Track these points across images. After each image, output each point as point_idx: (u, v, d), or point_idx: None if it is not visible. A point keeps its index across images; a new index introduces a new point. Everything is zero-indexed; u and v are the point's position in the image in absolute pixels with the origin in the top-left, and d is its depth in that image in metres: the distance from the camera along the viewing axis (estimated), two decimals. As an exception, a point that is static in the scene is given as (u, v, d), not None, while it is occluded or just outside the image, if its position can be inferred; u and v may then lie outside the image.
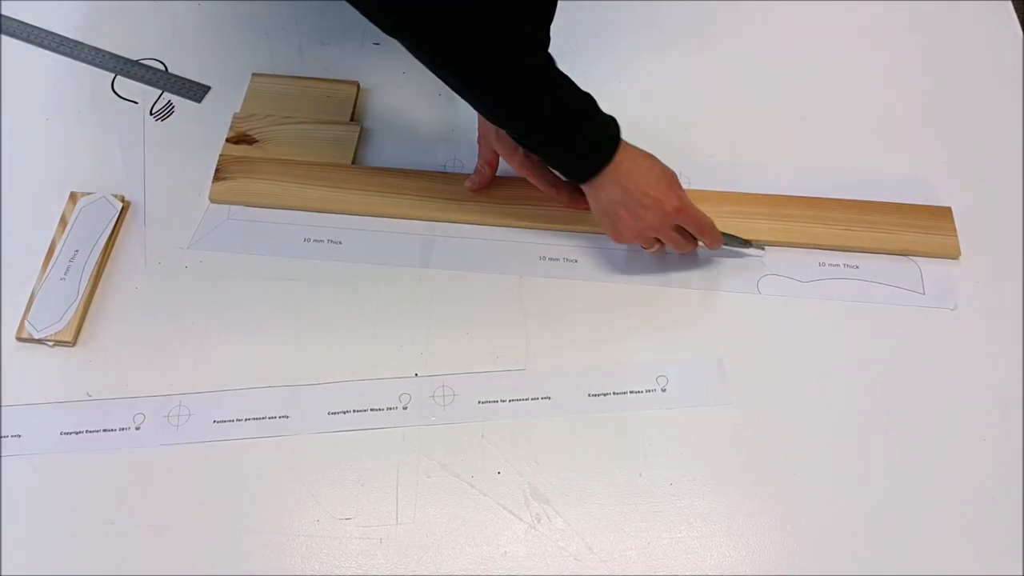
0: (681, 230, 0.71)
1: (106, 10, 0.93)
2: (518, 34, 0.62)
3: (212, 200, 0.80)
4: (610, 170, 0.67)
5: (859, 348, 0.72)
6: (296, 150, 0.82)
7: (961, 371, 0.70)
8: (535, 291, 0.75)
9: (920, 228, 0.76)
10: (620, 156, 0.67)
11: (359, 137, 0.84)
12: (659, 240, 0.72)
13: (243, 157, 0.82)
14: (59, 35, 0.92)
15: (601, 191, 0.69)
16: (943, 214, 0.77)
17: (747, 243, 0.75)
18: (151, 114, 0.86)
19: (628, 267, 0.76)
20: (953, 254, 0.75)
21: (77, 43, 0.91)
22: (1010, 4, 0.91)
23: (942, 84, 0.86)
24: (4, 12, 0.93)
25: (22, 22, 0.93)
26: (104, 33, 0.92)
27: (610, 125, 0.67)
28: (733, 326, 0.73)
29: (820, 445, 0.68)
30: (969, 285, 0.74)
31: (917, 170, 0.81)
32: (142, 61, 0.90)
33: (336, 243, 0.78)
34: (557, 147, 0.67)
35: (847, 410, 0.69)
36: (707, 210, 0.76)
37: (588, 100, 0.66)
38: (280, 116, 0.84)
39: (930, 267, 0.75)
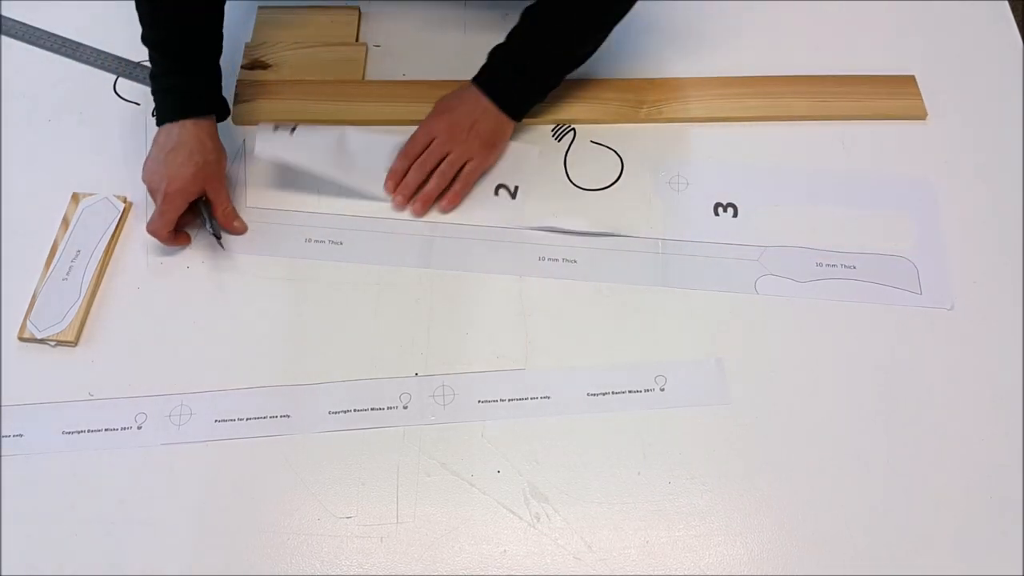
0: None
1: (108, 11, 0.93)
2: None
3: (235, 122, 0.85)
4: (164, 129, 0.76)
5: (857, 348, 0.72)
6: (308, 71, 0.87)
7: (959, 370, 0.71)
8: (535, 291, 0.75)
9: (888, 94, 0.84)
10: (173, 127, 0.75)
11: (366, 56, 0.88)
12: None
13: (259, 81, 0.87)
14: (61, 36, 0.92)
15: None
16: (908, 81, 0.85)
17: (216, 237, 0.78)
18: (153, 115, 0.86)
19: (628, 267, 0.76)
20: (920, 115, 0.83)
21: (79, 44, 0.91)
22: (1006, 5, 0.91)
23: (941, 84, 0.86)
24: (4, 13, 0.94)
25: (23, 23, 0.93)
26: (106, 34, 0.92)
27: (172, 103, 0.76)
28: (732, 326, 0.73)
29: (819, 445, 0.68)
30: (966, 285, 0.74)
31: (916, 170, 0.81)
32: (144, 62, 0.90)
33: (337, 243, 0.78)
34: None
35: (846, 410, 0.69)
36: (700, 94, 0.83)
37: (174, 82, 0.76)
38: (290, 42, 0.89)
39: (927, 266, 0.75)
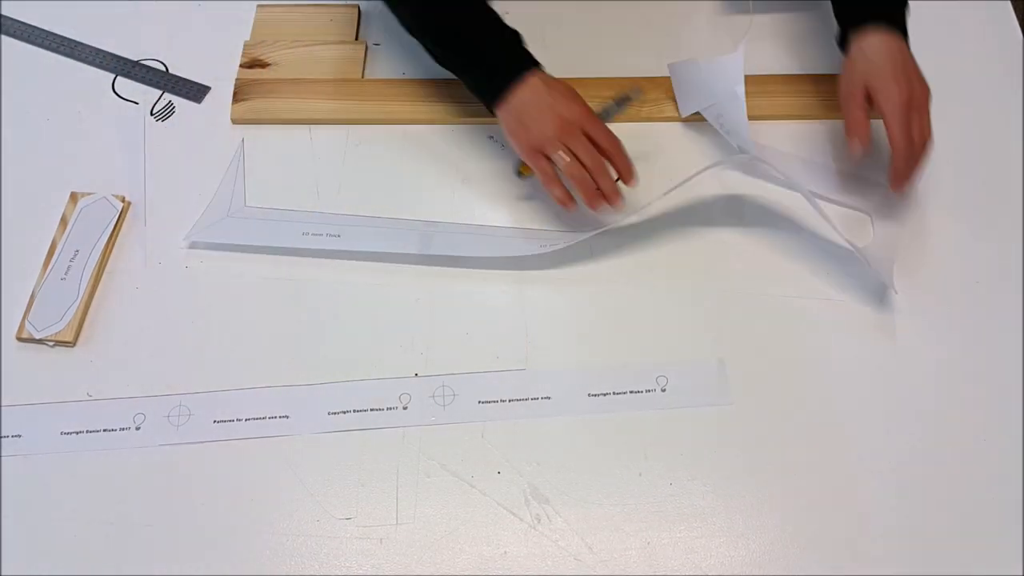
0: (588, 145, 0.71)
1: (106, 10, 0.93)
2: None
3: (234, 121, 0.84)
4: (520, 90, 0.71)
5: (860, 347, 0.72)
6: (308, 70, 0.87)
7: (962, 371, 0.70)
8: (535, 291, 0.75)
9: None
10: (531, 77, 0.71)
11: (366, 54, 0.88)
12: (565, 153, 0.70)
13: (257, 79, 0.86)
14: (59, 35, 0.92)
15: (509, 109, 0.72)
16: None
17: (625, 99, 0.78)
18: (152, 115, 0.86)
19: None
20: None
21: (77, 43, 0.91)
22: (1009, 4, 0.91)
23: (942, 84, 0.85)
24: (4, 12, 0.93)
25: (22, 22, 0.93)
26: (104, 33, 0.92)
27: (522, 53, 0.73)
28: (734, 326, 0.73)
29: (821, 445, 0.68)
30: (969, 284, 0.74)
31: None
32: (142, 61, 0.90)
33: (335, 236, 0.77)
34: (471, 65, 0.74)
35: (848, 410, 0.69)
36: None
37: (510, 38, 0.73)
38: (289, 40, 0.89)
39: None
